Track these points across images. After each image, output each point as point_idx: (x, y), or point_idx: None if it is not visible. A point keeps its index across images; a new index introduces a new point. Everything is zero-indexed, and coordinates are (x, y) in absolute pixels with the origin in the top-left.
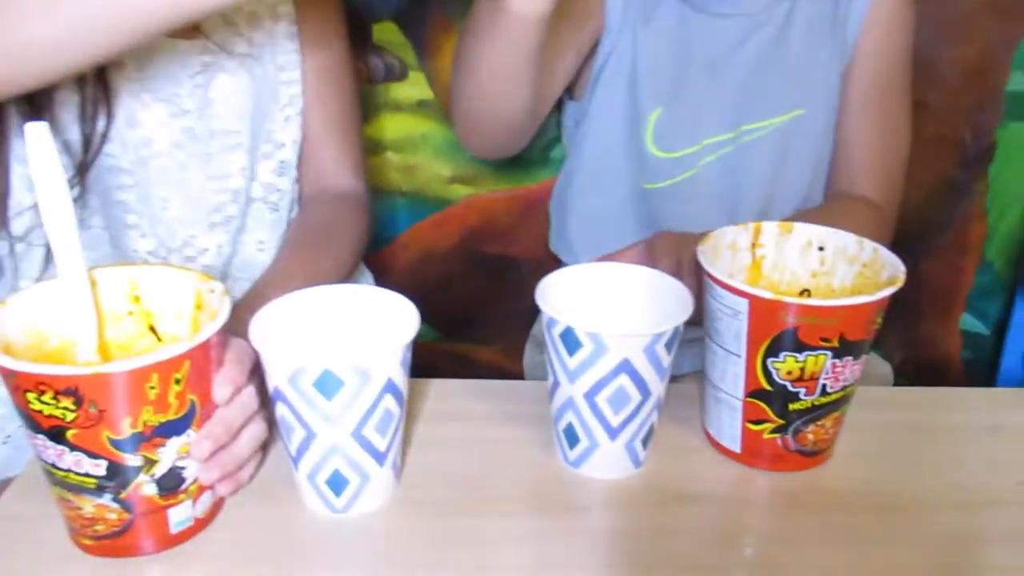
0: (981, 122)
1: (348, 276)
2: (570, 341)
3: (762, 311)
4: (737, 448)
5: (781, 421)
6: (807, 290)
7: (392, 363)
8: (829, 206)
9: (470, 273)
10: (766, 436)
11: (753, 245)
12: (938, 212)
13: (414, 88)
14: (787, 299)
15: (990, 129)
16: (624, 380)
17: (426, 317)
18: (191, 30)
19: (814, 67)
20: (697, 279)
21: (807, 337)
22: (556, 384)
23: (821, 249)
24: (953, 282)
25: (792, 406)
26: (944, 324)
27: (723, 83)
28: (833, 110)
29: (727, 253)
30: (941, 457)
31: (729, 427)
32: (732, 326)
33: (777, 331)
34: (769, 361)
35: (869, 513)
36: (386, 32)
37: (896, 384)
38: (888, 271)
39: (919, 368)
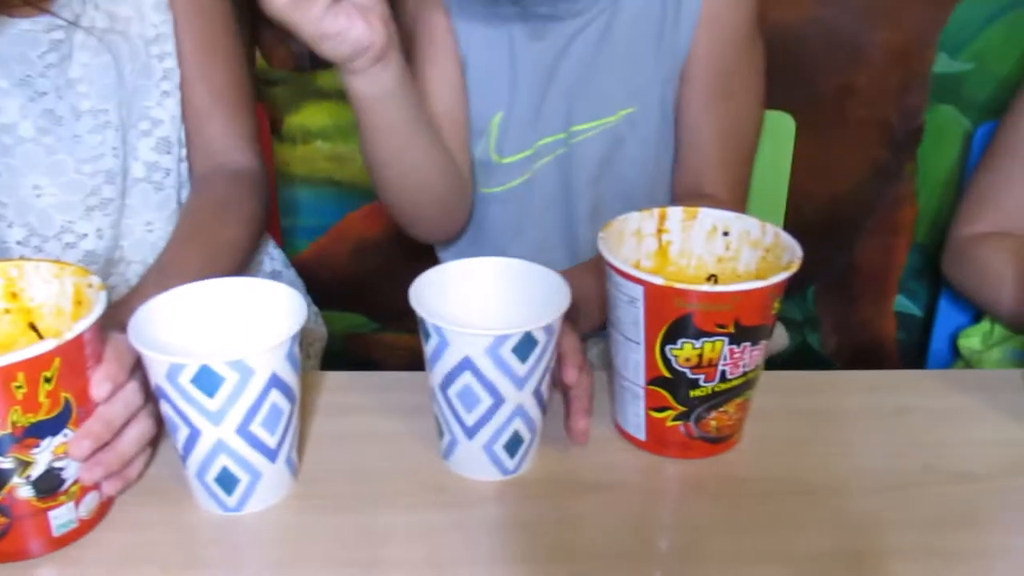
0: (908, 105)
1: (247, 255)
2: (424, 331)
3: (657, 298)
4: (643, 436)
5: (683, 408)
6: (714, 275)
7: (275, 358)
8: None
9: (405, 262)
10: (669, 424)
11: (659, 231)
12: (869, 195)
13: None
14: (679, 285)
15: (917, 111)
16: (469, 378)
17: (363, 308)
18: (30, 8)
19: (643, 66)
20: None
21: (702, 323)
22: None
23: (726, 234)
24: (886, 264)
25: (693, 393)
26: (879, 306)
27: (554, 85)
28: (666, 110)
29: (632, 240)
30: (848, 441)
31: (634, 415)
32: (630, 313)
33: (673, 318)
34: (667, 348)
35: (777, 499)
36: None
37: (825, 366)
38: (787, 255)
39: (856, 351)
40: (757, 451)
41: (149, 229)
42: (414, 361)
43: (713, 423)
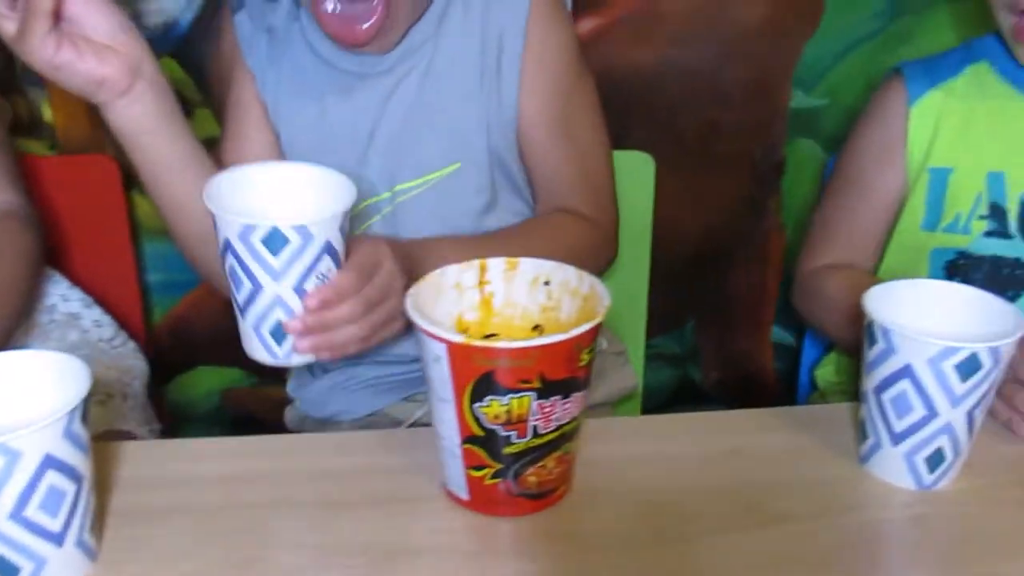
0: (769, 140)
1: (28, 290)
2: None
3: (459, 356)
4: (467, 496)
5: (499, 465)
6: (539, 325)
7: (50, 436)
8: (534, 220)
9: None
10: (487, 482)
11: (480, 283)
12: (739, 227)
13: (199, 127)
14: (477, 343)
15: (778, 146)
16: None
17: (240, 363)
18: None
19: (465, 120)
20: None
21: (506, 380)
22: None
23: (547, 284)
24: (760, 295)
25: (507, 450)
26: (756, 338)
27: (372, 148)
28: (498, 156)
29: (452, 292)
30: (678, 487)
31: (456, 475)
32: (437, 371)
33: (476, 375)
34: (475, 406)
35: (602, 552)
36: (167, 69)
37: (707, 404)
38: (600, 305)
39: (736, 383)
40: (586, 503)
41: None
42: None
43: (532, 479)
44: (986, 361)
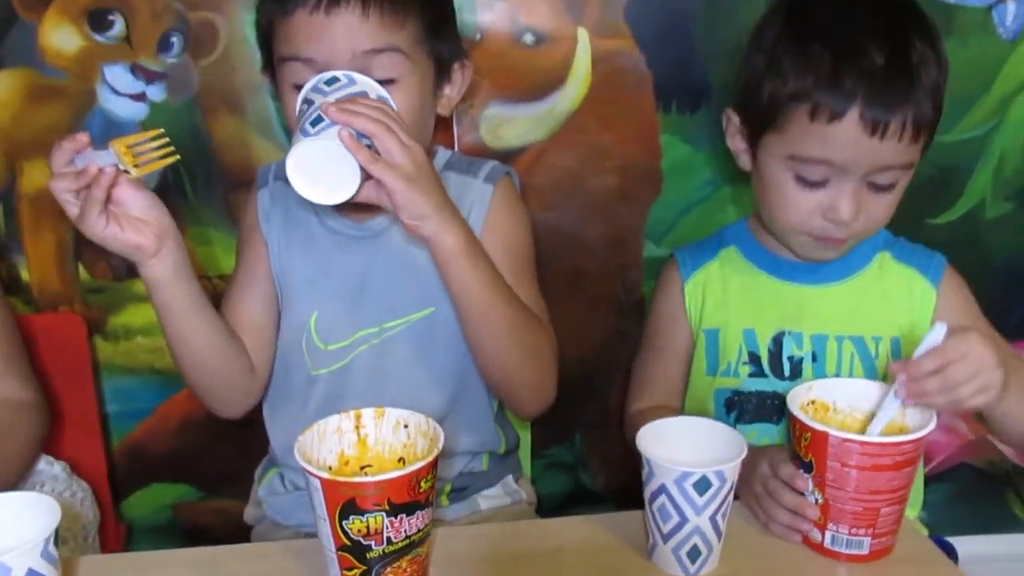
0: (629, 282)
1: (17, 470)
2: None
3: (329, 488)
4: None
5: (364, 567)
6: (403, 458)
7: (33, 555)
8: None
9: (225, 434)
10: None
11: (356, 427)
12: (612, 353)
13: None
14: (340, 479)
15: (637, 287)
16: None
17: (191, 479)
18: None
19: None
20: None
21: (363, 504)
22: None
23: (406, 427)
24: None
25: (369, 555)
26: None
27: (365, 291)
28: None
29: (334, 436)
30: None
31: (335, 574)
32: (317, 498)
33: (343, 501)
34: (343, 523)
35: None
36: None
37: (600, 505)
38: (437, 445)
39: (620, 486)
40: None
41: None
42: (240, 528)
43: None
44: (714, 481)
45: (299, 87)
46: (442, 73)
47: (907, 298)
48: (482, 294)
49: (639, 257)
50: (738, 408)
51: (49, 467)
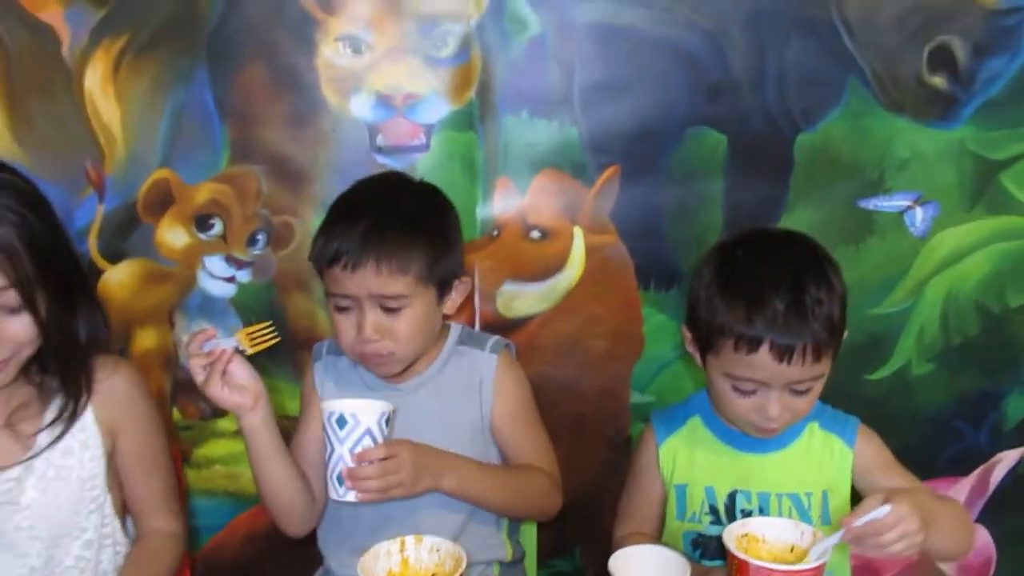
0: (619, 424)
1: None
2: None
3: None
4: None
5: None
6: (435, 574)
7: None
8: (518, 466)
9: (288, 549)
10: None
11: (401, 550)
12: (606, 481)
13: (232, 420)
14: None
15: (625, 428)
16: None
17: None
18: None
19: (456, 422)
20: None
21: None
22: None
23: (438, 551)
24: None
25: None
26: None
27: (395, 434)
28: (481, 445)
29: (384, 557)
30: None
31: None
32: None
33: None
34: None
35: None
36: None
37: None
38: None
39: None
40: None
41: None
42: None
43: None
44: None
45: (339, 308)
46: (445, 288)
47: (831, 459)
48: (481, 497)
49: (627, 404)
50: (702, 547)
51: None
